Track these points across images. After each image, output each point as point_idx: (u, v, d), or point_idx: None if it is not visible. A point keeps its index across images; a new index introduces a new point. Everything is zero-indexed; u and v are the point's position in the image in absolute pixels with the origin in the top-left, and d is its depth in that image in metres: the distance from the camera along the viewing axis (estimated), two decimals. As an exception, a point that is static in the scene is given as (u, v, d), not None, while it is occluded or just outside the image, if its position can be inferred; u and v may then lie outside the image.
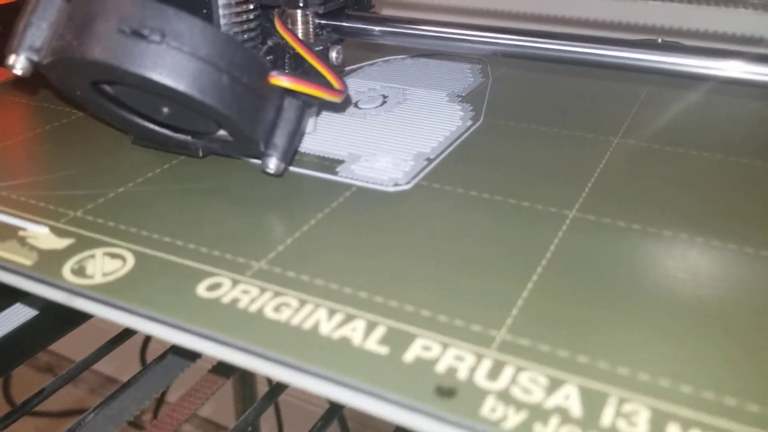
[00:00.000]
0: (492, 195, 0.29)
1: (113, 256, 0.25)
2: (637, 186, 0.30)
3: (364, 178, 0.30)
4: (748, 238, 0.26)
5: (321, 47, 0.35)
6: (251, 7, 0.33)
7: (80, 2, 0.27)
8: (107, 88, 0.29)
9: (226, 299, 0.22)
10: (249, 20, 0.33)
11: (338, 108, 0.37)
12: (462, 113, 0.37)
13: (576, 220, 0.27)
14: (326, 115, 0.36)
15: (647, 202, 0.28)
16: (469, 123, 0.36)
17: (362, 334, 0.21)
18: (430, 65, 0.45)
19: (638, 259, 0.25)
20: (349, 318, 0.21)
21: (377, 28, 0.38)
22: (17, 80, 0.42)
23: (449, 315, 0.22)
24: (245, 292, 0.23)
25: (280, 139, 0.28)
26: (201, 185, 0.30)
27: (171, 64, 0.25)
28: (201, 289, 0.23)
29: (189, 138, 0.31)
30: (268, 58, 0.33)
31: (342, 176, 0.30)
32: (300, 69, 0.34)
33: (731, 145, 0.33)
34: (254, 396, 0.67)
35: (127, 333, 0.37)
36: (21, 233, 0.26)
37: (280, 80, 0.28)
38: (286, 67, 0.34)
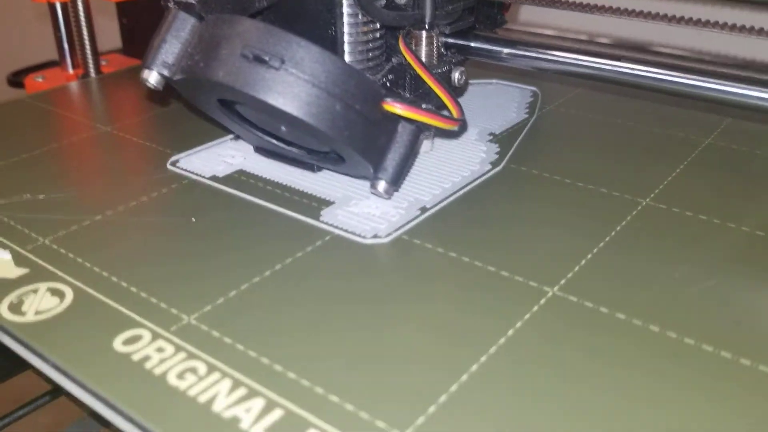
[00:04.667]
0: (472, 259, 0.26)
1: (54, 292, 0.24)
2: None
3: (344, 226, 0.28)
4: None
5: (444, 68, 0.34)
6: (377, 26, 0.33)
7: (210, 24, 0.28)
8: (232, 104, 0.30)
9: (137, 356, 0.21)
10: (374, 39, 0.33)
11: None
12: (484, 155, 0.34)
13: (555, 298, 0.24)
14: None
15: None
16: (487, 168, 0.33)
17: (255, 416, 0.19)
18: (479, 93, 0.42)
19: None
20: (250, 394, 0.20)
21: (505, 50, 0.37)
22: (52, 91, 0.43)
23: (357, 405, 0.19)
24: (159, 350, 0.21)
25: (391, 162, 0.28)
26: (176, 219, 0.29)
27: (287, 90, 0.26)
28: (118, 342, 0.22)
29: (305, 154, 0.31)
30: (390, 77, 0.33)
31: (322, 221, 0.29)
32: (421, 89, 0.33)
33: None
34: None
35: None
36: (-15, 257, 0.26)
37: (394, 107, 0.28)
38: (408, 87, 0.34)
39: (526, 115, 0.39)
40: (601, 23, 0.56)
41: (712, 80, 0.31)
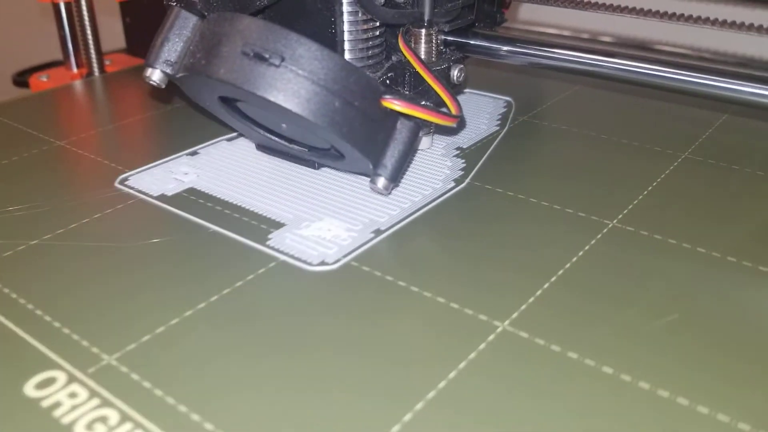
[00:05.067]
0: (421, 289, 0.25)
1: (-27, 328, 0.23)
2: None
3: (291, 251, 0.27)
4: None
5: (444, 66, 0.34)
6: (377, 24, 0.33)
7: (212, 22, 0.27)
8: (233, 101, 0.30)
9: (47, 402, 0.20)
10: (374, 37, 0.33)
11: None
12: (448, 172, 0.33)
13: (505, 333, 0.22)
14: (286, 167, 0.33)
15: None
16: (450, 186, 0.32)
17: (161, 475, 0.17)
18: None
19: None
20: (161, 448, 0.18)
21: (504, 48, 0.37)
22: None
23: (275, 461, 0.18)
24: (72, 395, 0.20)
25: (390, 159, 0.28)
26: (115, 245, 0.27)
27: (287, 87, 0.26)
28: (30, 386, 0.20)
29: (306, 151, 0.31)
30: (389, 74, 0.33)
31: (269, 246, 0.27)
32: (420, 87, 0.33)
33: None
34: None
35: None
36: None
37: (393, 104, 0.28)
38: (407, 85, 0.33)
39: (497, 128, 0.38)
40: (600, 21, 0.54)
41: (704, 76, 0.31)
